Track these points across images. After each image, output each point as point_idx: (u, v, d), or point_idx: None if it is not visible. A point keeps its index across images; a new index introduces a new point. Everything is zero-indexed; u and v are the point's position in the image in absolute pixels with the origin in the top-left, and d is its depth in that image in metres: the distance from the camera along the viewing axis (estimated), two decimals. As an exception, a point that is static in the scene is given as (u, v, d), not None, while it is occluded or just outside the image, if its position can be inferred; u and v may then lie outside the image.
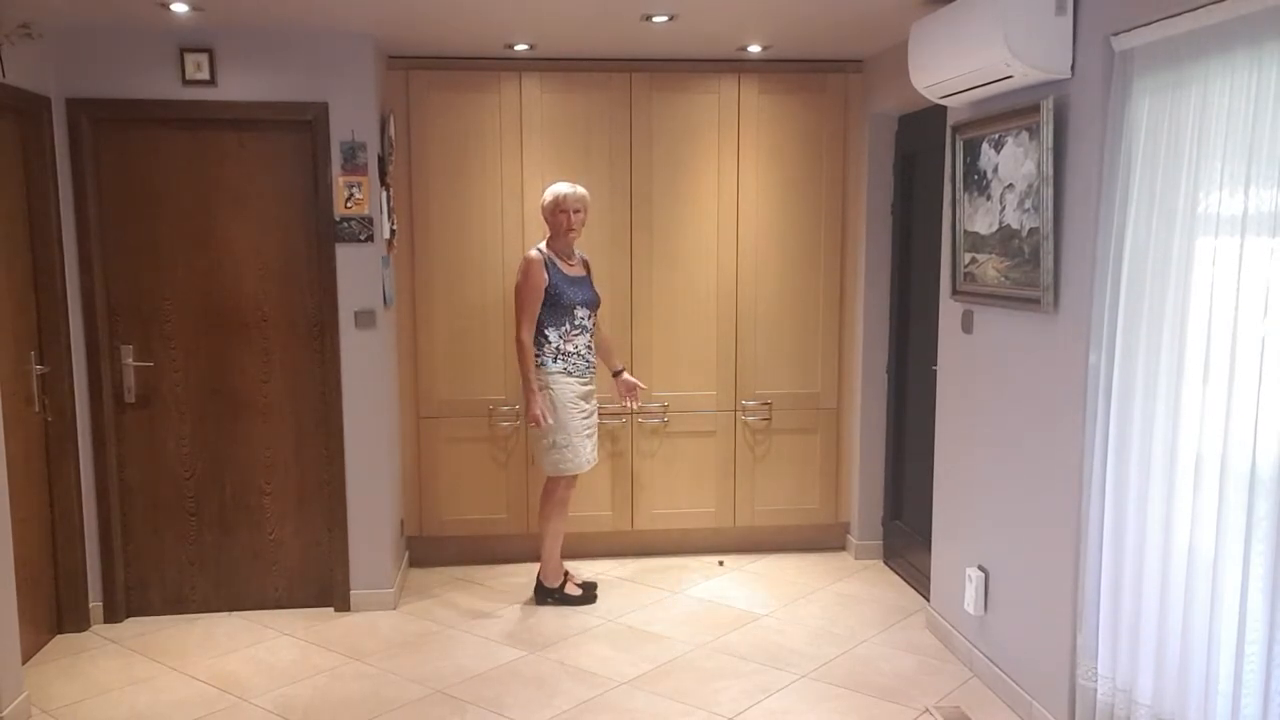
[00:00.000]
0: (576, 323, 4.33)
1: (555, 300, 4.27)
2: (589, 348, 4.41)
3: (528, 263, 4.29)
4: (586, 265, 4.52)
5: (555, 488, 4.46)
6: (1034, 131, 3.18)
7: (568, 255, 4.38)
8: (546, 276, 4.26)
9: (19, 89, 3.79)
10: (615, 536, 5.13)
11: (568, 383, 4.31)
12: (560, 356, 4.31)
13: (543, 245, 4.35)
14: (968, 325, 3.84)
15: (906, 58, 3.76)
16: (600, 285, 4.69)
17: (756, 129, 4.95)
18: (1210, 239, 2.56)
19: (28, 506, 3.90)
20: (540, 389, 4.29)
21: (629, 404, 4.64)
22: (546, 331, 4.28)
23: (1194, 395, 2.63)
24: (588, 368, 4.40)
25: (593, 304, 4.42)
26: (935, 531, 4.19)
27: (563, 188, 4.31)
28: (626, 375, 4.63)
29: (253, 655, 4.02)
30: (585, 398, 4.39)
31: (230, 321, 4.33)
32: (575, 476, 4.46)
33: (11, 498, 3.51)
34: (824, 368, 5.12)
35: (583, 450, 4.38)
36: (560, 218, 4.30)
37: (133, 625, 4.32)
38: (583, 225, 4.37)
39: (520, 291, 4.30)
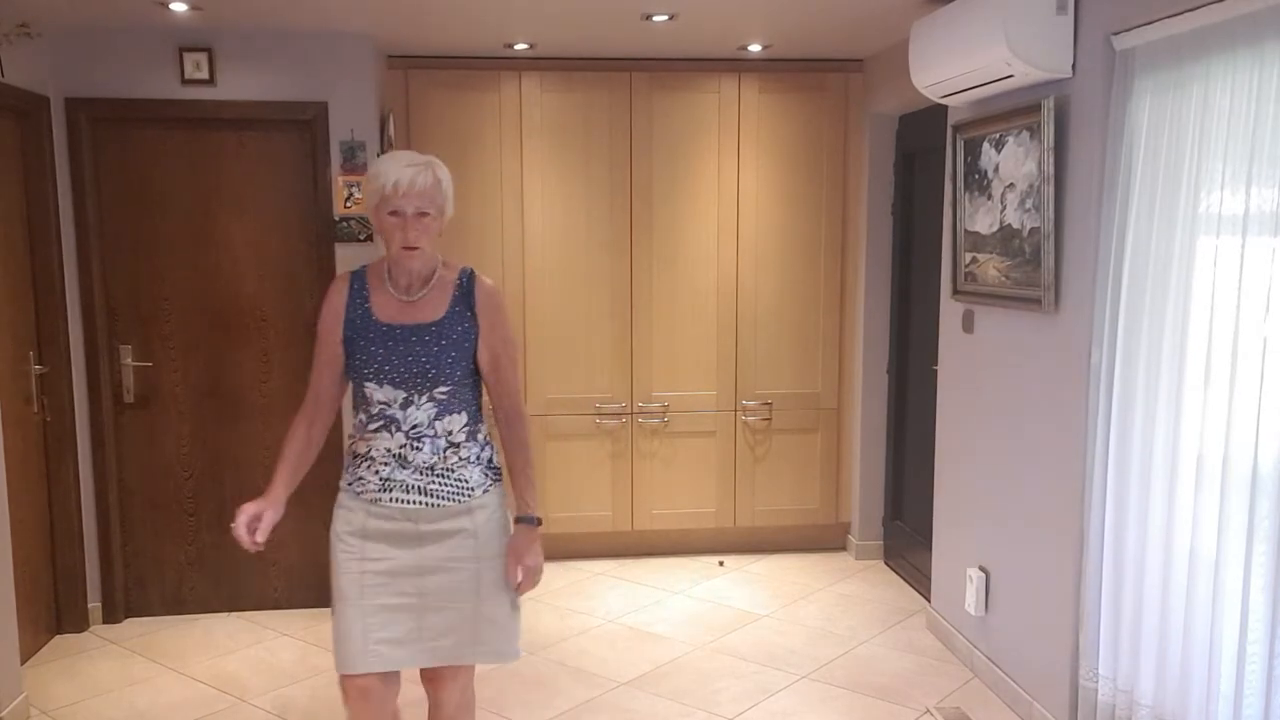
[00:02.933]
0: (374, 411, 2.40)
1: (347, 363, 2.44)
2: (401, 460, 2.40)
3: (330, 287, 2.49)
4: (465, 295, 2.46)
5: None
6: (1035, 131, 3.18)
7: (412, 279, 2.42)
8: (343, 315, 2.42)
9: (18, 88, 3.78)
10: (615, 536, 5.13)
11: (347, 512, 2.45)
12: (351, 463, 2.47)
13: (385, 263, 2.48)
14: (968, 325, 3.84)
15: (907, 57, 3.75)
16: (600, 285, 4.67)
17: (757, 129, 4.94)
18: (1211, 239, 2.55)
19: (26, 507, 3.90)
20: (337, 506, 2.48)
21: (515, 584, 2.53)
22: (358, 415, 2.47)
23: (1195, 395, 2.63)
24: (397, 495, 2.40)
25: (422, 379, 2.37)
26: (936, 532, 4.18)
27: (391, 168, 2.33)
28: (522, 539, 2.49)
29: (252, 656, 4.01)
30: (387, 542, 2.40)
31: (229, 321, 4.32)
32: (364, 683, 2.42)
33: (10, 498, 3.50)
34: (824, 368, 5.12)
35: (358, 635, 2.39)
36: (389, 222, 2.34)
37: (132, 626, 4.31)
38: (438, 233, 2.40)
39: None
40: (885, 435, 5.06)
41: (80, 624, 4.24)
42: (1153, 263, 2.75)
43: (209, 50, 4.13)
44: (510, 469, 2.51)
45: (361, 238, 4.29)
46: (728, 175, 4.96)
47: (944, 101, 3.70)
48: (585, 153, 4.87)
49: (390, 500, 2.40)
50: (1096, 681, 3.04)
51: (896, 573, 4.94)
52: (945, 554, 4.09)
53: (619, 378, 4.99)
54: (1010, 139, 3.36)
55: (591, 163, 4.88)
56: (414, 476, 2.40)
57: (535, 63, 4.78)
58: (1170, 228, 2.69)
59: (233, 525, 2.35)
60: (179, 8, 3.76)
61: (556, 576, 4.88)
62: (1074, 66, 3.06)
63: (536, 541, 2.48)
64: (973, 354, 3.81)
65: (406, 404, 2.37)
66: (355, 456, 2.45)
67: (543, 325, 4.91)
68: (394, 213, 2.31)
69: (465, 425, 2.44)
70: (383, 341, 2.37)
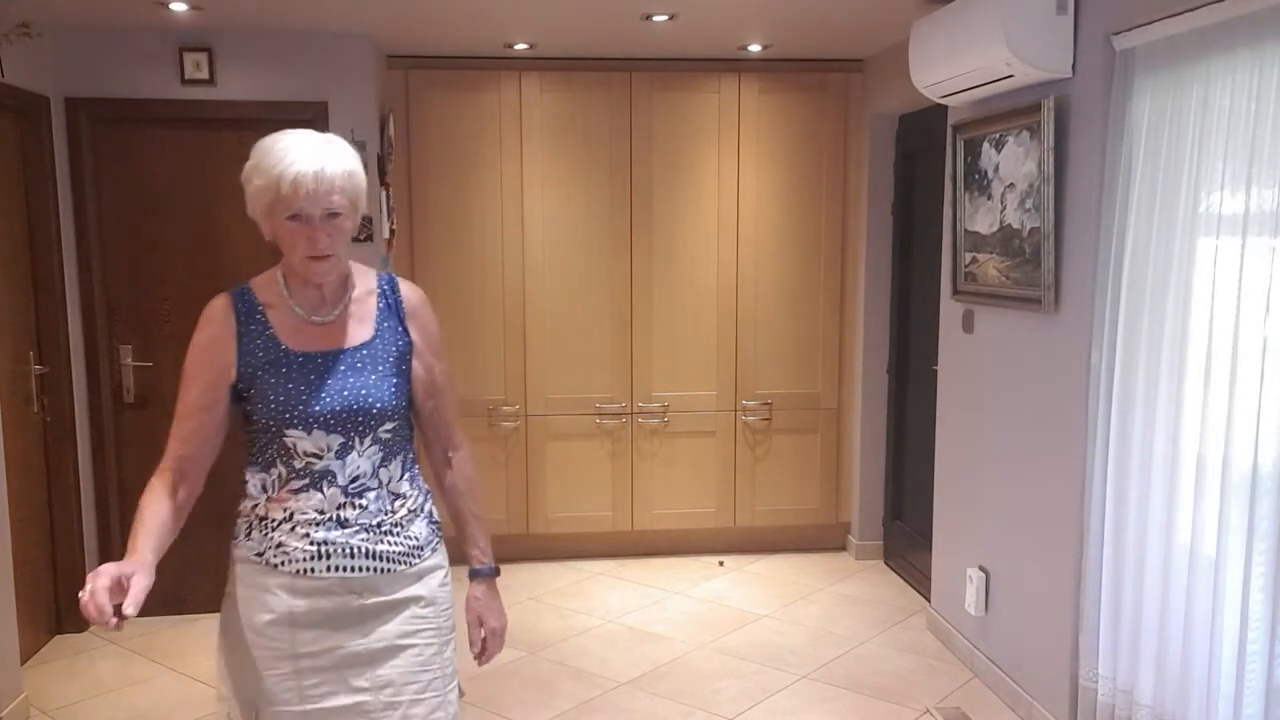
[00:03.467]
0: (298, 466, 1.87)
1: (253, 409, 1.89)
2: (339, 519, 1.87)
3: (202, 312, 1.91)
4: (391, 306, 1.98)
5: None
6: (1035, 131, 3.18)
7: (324, 294, 1.92)
8: (233, 348, 1.87)
9: (18, 88, 3.78)
10: (615, 536, 5.13)
11: (260, 594, 1.89)
12: (258, 527, 1.91)
13: (279, 273, 1.93)
14: (968, 325, 3.84)
15: (907, 57, 3.75)
16: (600, 285, 4.69)
17: (757, 129, 4.94)
18: (1211, 239, 2.55)
19: (27, 506, 3.90)
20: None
21: (477, 650, 2.05)
22: (245, 471, 1.96)
23: (1195, 395, 2.63)
24: (337, 562, 1.87)
25: (364, 418, 1.88)
26: (936, 532, 4.18)
27: (286, 159, 1.78)
28: (483, 596, 2.04)
29: (252, 656, 4.01)
30: (325, 626, 1.87)
31: (230, 321, 4.32)
32: None
33: (10, 498, 3.50)
34: (824, 368, 5.12)
35: None
36: (287, 228, 1.81)
37: (132, 626, 4.29)
38: (352, 235, 1.88)
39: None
40: (885, 435, 5.06)
41: (80, 624, 4.23)
42: (1153, 263, 2.75)
43: (209, 50, 4.13)
44: (459, 515, 2.06)
45: (361, 237, 4.28)
46: (728, 175, 4.96)
47: (944, 101, 3.70)
48: (585, 153, 4.87)
49: (327, 569, 1.84)
50: (1096, 681, 3.03)
51: (896, 573, 4.94)
52: (945, 554, 4.09)
53: (619, 377, 4.99)
54: (1010, 139, 3.36)
55: (591, 163, 4.88)
56: (358, 537, 1.86)
57: (535, 63, 4.78)
58: (1170, 228, 2.68)
59: (82, 594, 1.55)
60: (179, 8, 3.76)
61: (556, 576, 4.89)
62: (1074, 66, 3.06)
63: (499, 598, 2.05)
64: (973, 354, 3.81)
65: (345, 450, 1.86)
66: (264, 520, 1.88)
67: (543, 325, 4.91)
68: (295, 216, 1.77)
69: (406, 470, 1.97)
70: (304, 375, 1.84)
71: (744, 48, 4.62)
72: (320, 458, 1.86)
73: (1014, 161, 3.34)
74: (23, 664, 3.68)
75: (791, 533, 5.24)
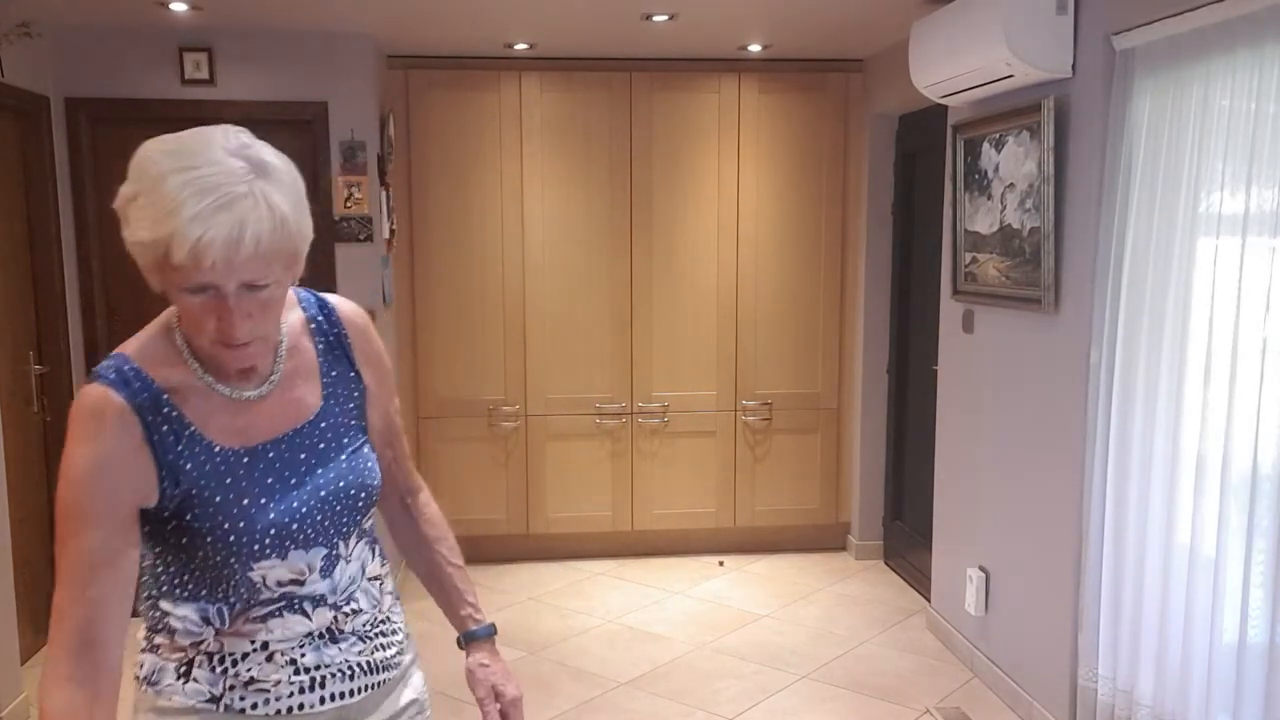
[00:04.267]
0: (264, 596, 1.34)
1: (183, 525, 1.29)
2: (332, 635, 1.40)
3: (74, 415, 1.25)
4: (334, 344, 1.45)
5: None
6: (1035, 131, 3.18)
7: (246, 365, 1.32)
8: (147, 464, 1.25)
9: (18, 88, 3.78)
10: (615, 536, 5.13)
11: None
12: (206, 665, 1.34)
13: (177, 336, 1.31)
14: (968, 325, 3.84)
15: (906, 57, 3.75)
16: (600, 285, 4.70)
17: (757, 129, 4.94)
18: (1211, 239, 2.55)
19: (27, 506, 3.90)
20: None
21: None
22: (161, 603, 1.37)
23: (1195, 395, 2.63)
24: (336, 689, 1.40)
25: (349, 514, 1.40)
26: (936, 532, 4.18)
27: (183, 211, 1.13)
28: (491, 663, 1.58)
29: (252, 656, 4.01)
30: None
31: (229, 321, 4.32)
32: None
33: (10, 498, 3.50)
34: (824, 368, 5.12)
35: None
36: (183, 301, 1.22)
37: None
38: (278, 314, 1.30)
39: (58, 510, 1.24)
40: (885, 435, 5.06)
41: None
42: (1153, 263, 2.75)
43: (209, 50, 4.13)
44: (437, 570, 1.62)
45: (361, 237, 4.29)
46: (728, 175, 4.96)
47: (944, 101, 3.70)
48: (585, 153, 4.87)
49: (322, 700, 1.38)
50: (1096, 681, 3.04)
51: (896, 573, 4.94)
52: (945, 554, 4.09)
53: (619, 377, 4.99)
54: (1010, 139, 3.36)
55: (591, 163, 4.88)
56: (354, 650, 1.42)
57: (535, 63, 4.78)
58: (1170, 228, 2.69)
59: None
60: (179, 8, 3.76)
61: (556, 576, 4.89)
62: (1074, 66, 3.06)
63: (503, 660, 1.60)
64: (973, 354, 3.81)
65: (331, 564, 1.39)
66: (217, 656, 1.34)
67: (543, 325, 4.91)
68: (200, 289, 1.18)
69: (374, 543, 1.52)
70: (259, 482, 1.31)
71: (744, 48, 4.62)
72: (301, 583, 1.36)
73: (1014, 161, 3.34)
74: (22, 664, 3.68)
75: (791, 533, 5.24)
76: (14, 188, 3.90)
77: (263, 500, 1.31)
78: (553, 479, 5.01)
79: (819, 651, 4.02)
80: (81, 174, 4.12)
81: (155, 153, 1.19)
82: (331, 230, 4.27)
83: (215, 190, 1.15)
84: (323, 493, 1.36)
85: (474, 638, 1.60)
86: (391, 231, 4.55)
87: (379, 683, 1.45)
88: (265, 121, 4.24)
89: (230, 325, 1.21)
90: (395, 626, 1.52)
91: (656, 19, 4.01)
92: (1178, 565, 2.71)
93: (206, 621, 1.34)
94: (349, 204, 4.27)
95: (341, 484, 1.38)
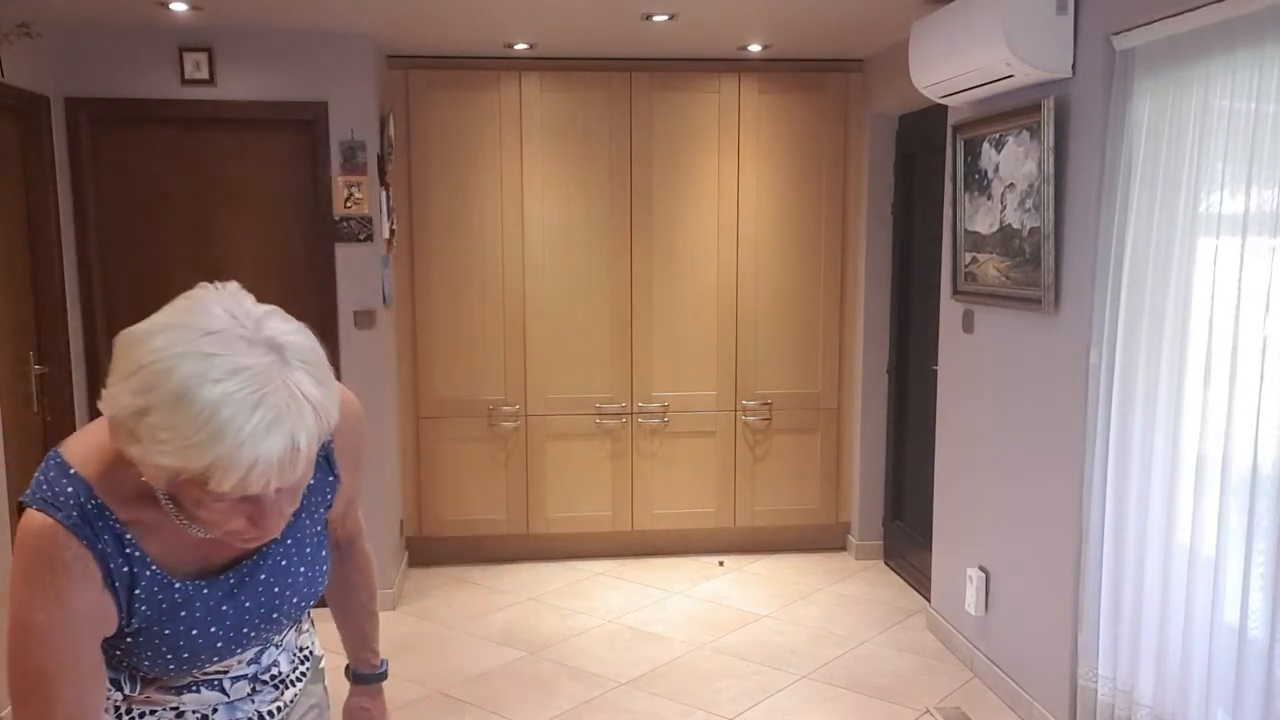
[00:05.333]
0: (184, 683, 1.34)
1: (153, 663, 1.27)
2: (250, 694, 1.40)
3: (29, 553, 1.13)
4: (325, 457, 1.38)
5: None
6: (1035, 131, 3.18)
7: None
8: (107, 610, 1.18)
9: (18, 88, 3.78)
10: (615, 536, 5.13)
11: None
12: (114, 714, 1.32)
13: (116, 466, 1.15)
14: (968, 325, 3.84)
15: (906, 57, 3.75)
16: (600, 285, 4.68)
17: (757, 129, 4.94)
18: (1211, 239, 2.55)
19: (27, 507, 3.89)
20: None
21: None
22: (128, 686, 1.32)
23: (1195, 395, 2.63)
24: None
25: (291, 617, 1.39)
26: (936, 532, 4.18)
27: (221, 438, 1.00)
28: (372, 707, 1.68)
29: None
30: None
31: (229, 321, 4.32)
32: None
33: (10, 498, 3.50)
34: (824, 367, 5.12)
35: None
36: (204, 505, 1.10)
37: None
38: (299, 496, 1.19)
39: (15, 665, 1.14)
40: (885, 435, 5.06)
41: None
42: (1153, 263, 2.75)
43: (209, 50, 4.13)
44: (353, 611, 1.64)
45: (361, 237, 4.29)
46: (728, 175, 4.96)
47: (944, 101, 3.70)
48: (585, 153, 4.87)
49: None
50: (1096, 681, 3.04)
51: (896, 573, 4.94)
52: (945, 554, 4.09)
53: (619, 377, 4.99)
54: (1010, 139, 3.36)
55: (591, 163, 4.88)
56: (267, 699, 1.42)
57: (535, 63, 4.78)
58: (1170, 228, 2.69)
59: None
60: (179, 8, 3.76)
61: (556, 576, 4.89)
62: (1074, 66, 3.06)
63: (384, 704, 1.69)
64: (973, 354, 3.81)
65: (261, 654, 1.40)
66: (119, 709, 1.32)
67: (542, 325, 4.91)
68: (221, 500, 1.09)
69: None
70: (214, 611, 1.27)
71: (744, 48, 4.62)
72: (226, 671, 1.35)
73: (1014, 161, 3.34)
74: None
75: (791, 533, 5.24)
76: (14, 188, 3.90)
77: (213, 629, 1.27)
78: (553, 479, 5.01)
79: (819, 651, 4.02)
80: (81, 174, 4.11)
81: (159, 349, 1.00)
82: (332, 230, 4.27)
83: (259, 405, 0.99)
84: (275, 614, 1.33)
85: (363, 680, 1.66)
86: (391, 231, 4.55)
87: (287, 702, 1.47)
88: (265, 121, 4.24)
89: (265, 526, 1.13)
90: (308, 654, 1.53)
91: (656, 19, 4.01)
92: (1178, 565, 2.71)
93: (117, 686, 1.30)
94: (349, 204, 4.27)
95: (295, 599, 1.35)
